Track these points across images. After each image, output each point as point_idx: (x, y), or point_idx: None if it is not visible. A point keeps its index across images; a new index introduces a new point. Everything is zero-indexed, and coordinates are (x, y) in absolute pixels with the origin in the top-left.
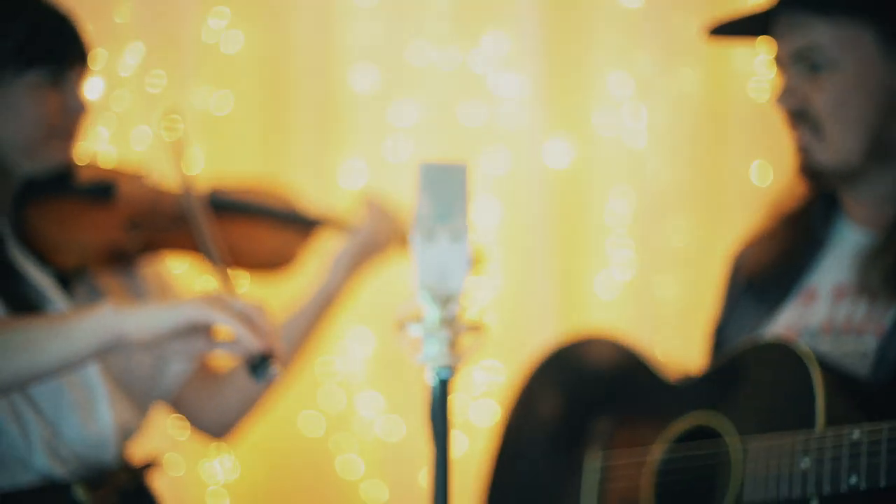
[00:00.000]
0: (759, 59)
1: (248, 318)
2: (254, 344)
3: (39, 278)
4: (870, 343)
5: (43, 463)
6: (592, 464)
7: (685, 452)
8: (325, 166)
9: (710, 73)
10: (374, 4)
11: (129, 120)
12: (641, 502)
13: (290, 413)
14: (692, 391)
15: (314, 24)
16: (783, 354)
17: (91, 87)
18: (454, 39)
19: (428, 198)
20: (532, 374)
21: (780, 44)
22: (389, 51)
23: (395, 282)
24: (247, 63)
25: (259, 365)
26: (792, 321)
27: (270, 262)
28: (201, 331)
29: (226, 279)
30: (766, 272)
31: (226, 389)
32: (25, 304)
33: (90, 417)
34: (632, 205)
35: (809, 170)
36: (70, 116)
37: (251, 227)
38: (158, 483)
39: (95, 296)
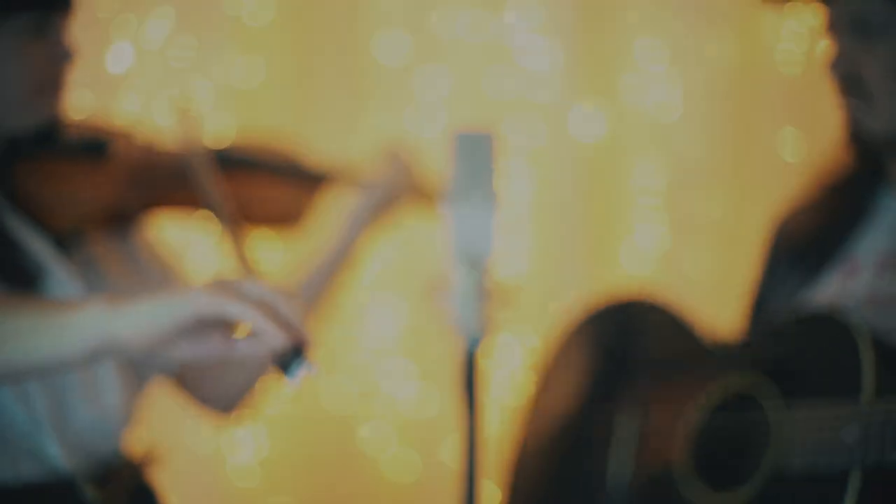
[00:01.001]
0: (789, 28)
1: (268, 307)
2: (278, 338)
3: (37, 247)
4: None
5: (52, 450)
6: (628, 424)
7: (724, 416)
8: (355, 137)
9: (742, 42)
10: None
11: (154, 92)
12: (676, 464)
13: (309, 384)
14: (733, 356)
15: None
16: (830, 323)
17: (118, 58)
18: (485, 5)
19: (460, 164)
20: (570, 333)
21: (831, 9)
22: (418, 20)
23: (423, 246)
24: (276, 34)
25: (290, 361)
26: (834, 292)
27: (279, 218)
28: (213, 326)
29: (234, 236)
30: (809, 242)
31: (232, 366)
32: (23, 276)
33: (96, 396)
34: (664, 176)
35: (858, 138)
36: (56, 67)
37: (257, 182)
38: (166, 472)
39: (92, 267)
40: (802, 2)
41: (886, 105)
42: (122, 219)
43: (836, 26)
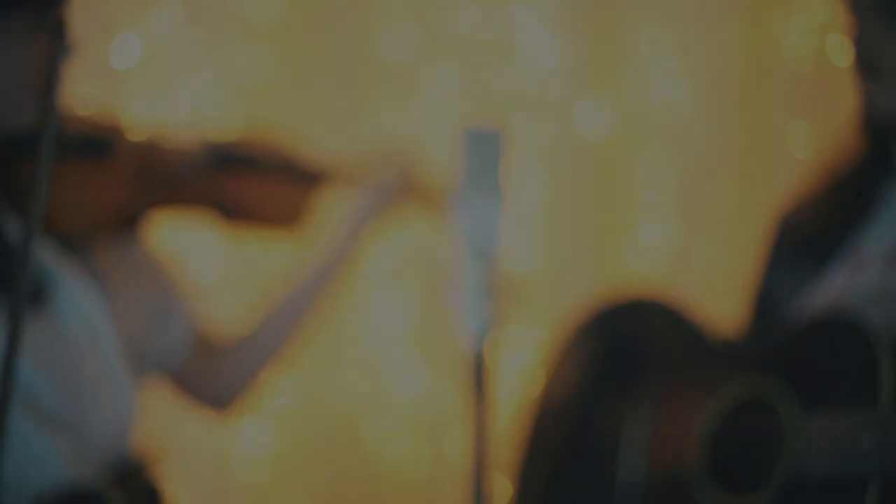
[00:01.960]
0: (798, 22)
1: None
2: None
3: (44, 256)
4: None
5: (71, 474)
6: (638, 424)
7: (738, 420)
8: (360, 132)
9: (751, 36)
10: None
11: (162, 86)
12: (687, 466)
13: (317, 379)
14: (746, 358)
15: None
16: (848, 327)
17: (123, 52)
18: (492, 1)
19: (468, 160)
20: (578, 331)
21: None
22: (425, 16)
23: (431, 241)
24: (282, 29)
25: None
26: (841, 286)
27: (279, 217)
28: None
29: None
30: (815, 235)
31: (229, 361)
32: (30, 286)
33: (111, 396)
34: (672, 171)
35: (875, 123)
36: (56, 63)
37: (257, 181)
38: (173, 469)
39: (96, 279)
40: None
41: None
42: (128, 221)
43: (857, 6)
